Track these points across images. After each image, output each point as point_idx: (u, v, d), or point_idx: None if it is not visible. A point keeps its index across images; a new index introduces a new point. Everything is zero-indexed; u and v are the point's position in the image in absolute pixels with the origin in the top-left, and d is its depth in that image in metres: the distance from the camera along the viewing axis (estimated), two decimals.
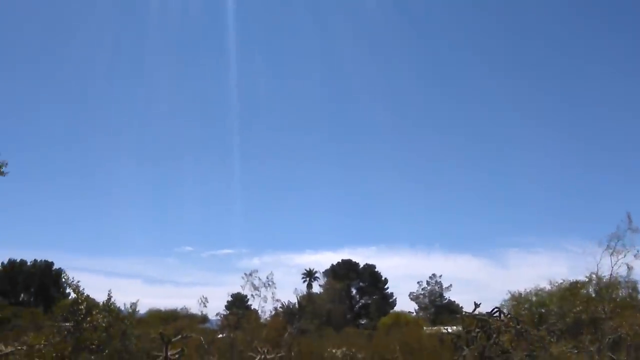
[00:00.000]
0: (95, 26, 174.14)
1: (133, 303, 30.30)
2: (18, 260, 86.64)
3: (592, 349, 28.34)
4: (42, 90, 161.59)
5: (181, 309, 61.53)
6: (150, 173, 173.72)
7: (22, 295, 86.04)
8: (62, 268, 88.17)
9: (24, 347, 17.19)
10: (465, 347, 23.04)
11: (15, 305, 70.48)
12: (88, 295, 31.41)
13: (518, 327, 22.77)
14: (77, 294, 21.91)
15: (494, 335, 22.20)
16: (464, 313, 27.15)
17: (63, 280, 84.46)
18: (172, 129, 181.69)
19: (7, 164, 15.82)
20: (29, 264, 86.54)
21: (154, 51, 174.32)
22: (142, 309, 76.02)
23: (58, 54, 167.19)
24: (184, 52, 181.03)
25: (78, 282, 23.71)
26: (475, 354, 22.12)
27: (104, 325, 19.35)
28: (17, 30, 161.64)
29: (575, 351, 27.35)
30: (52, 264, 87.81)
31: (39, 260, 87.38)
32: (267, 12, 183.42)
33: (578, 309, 34.00)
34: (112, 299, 22.45)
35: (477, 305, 24.37)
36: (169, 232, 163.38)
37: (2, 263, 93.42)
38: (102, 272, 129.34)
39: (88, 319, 18.50)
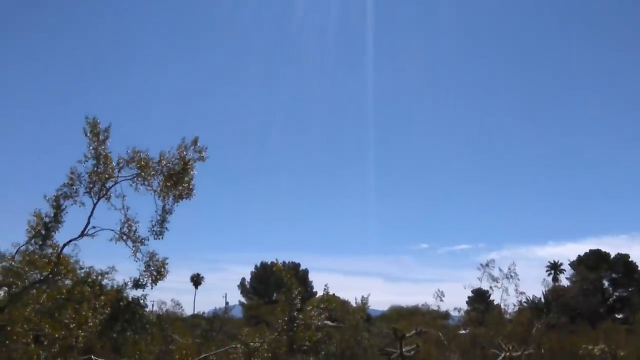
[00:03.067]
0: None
1: (364, 297, 30.11)
2: (269, 263, 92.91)
3: None
4: None
5: (422, 305, 60.65)
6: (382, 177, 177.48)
7: (274, 294, 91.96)
8: (307, 268, 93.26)
9: (239, 345, 17.14)
10: None
11: (270, 304, 75.30)
12: (333, 294, 32.06)
13: None
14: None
15: None
16: None
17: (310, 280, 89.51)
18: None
19: (206, 148, 16.19)
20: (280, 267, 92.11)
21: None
22: (384, 306, 77.14)
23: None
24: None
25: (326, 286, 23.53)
26: None
27: (318, 323, 18.62)
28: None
29: None
30: (299, 264, 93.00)
31: (287, 262, 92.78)
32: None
33: None
34: (329, 293, 21.80)
35: None
36: (404, 230, 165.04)
37: (256, 265, 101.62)
38: (344, 271, 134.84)
39: (300, 316, 17.89)
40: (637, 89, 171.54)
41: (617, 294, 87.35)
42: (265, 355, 16.62)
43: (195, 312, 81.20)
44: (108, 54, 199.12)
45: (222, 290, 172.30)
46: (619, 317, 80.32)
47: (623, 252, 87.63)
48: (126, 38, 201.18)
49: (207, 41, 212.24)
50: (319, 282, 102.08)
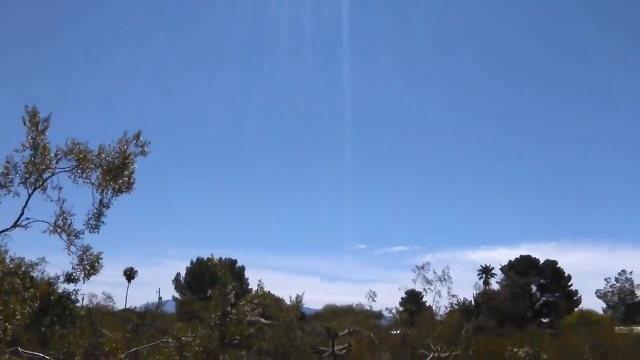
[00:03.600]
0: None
1: (298, 295, 30.33)
2: (205, 259, 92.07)
3: None
4: None
5: (356, 305, 61.48)
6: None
7: (209, 291, 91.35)
8: (243, 265, 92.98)
9: (171, 340, 17.12)
10: None
11: (203, 301, 74.81)
12: (268, 291, 32.09)
13: None
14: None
15: None
16: None
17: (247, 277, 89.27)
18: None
19: (149, 143, 16.12)
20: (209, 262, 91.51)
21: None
22: (319, 305, 77.72)
23: None
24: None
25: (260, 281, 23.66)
26: None
27: (250, 318, 18.81)
28: None
29: None
30: (235, 261, 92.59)
31: (224, 258, 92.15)
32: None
33: None
34: (263, 290, 21.92)
35: None
36: (344, 230, 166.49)
37: (191, 261, 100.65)
38: (282, 269, 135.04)
39: (233, 310, 18.01)
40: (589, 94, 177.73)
41: (544, 298, 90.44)
42: (197, 349, 16.63)
43: (127, 307, 79.85)
44: (71, 42, 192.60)
45: (157, 285, 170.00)
46: (545, 321, 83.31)
47: (552, 258, 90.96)
48: (100, 33, 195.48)
49: (180, 37, 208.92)
50: (255, 280, 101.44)
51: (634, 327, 43.98)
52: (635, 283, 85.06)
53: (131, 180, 16.16)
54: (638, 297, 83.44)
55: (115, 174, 15.84)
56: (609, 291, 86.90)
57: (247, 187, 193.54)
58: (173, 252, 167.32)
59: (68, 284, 17.22)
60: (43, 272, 19.36)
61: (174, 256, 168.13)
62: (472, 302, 71.64)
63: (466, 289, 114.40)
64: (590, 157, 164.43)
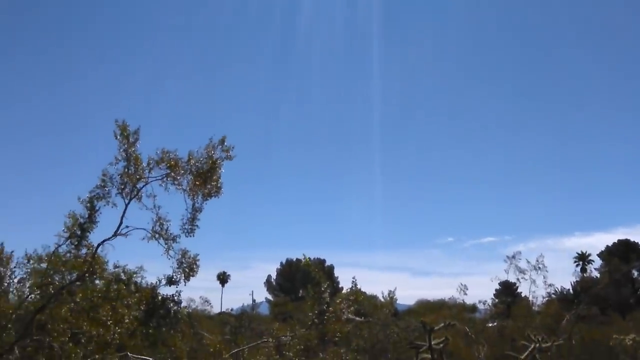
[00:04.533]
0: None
1: (391, 291, 30.16)
2: (294, 259, 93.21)
3: None
4: None
5: (449, 298, 60.55)
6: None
7: (300, 291, 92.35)
8: (333, 264, 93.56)
9: (270, 340, 17.38)
10: None
11: (296, 301, 75.75)
12: (360, 288, 32.02)
13: None
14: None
15: None
16: None
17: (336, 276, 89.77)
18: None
19: (233, 147, 16.50)
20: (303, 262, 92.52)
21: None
22: (411, 301, 77.12)
23: None
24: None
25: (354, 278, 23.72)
26: None
27: (348, 316, 18.84)
28: None
29: None
30: (324, 260, 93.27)
31: (312, 258, 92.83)
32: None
33: None
34: (357, 286, 21.91)
35: None
36: (429, 224, 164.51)
37: (281, 262, 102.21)
38: (369, 267, 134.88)
39: (330, 308, 18.09)
40: None
41: None
42: (297, 347, 16.86)
43: (223, 310, 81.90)
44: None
45: (249, 288, 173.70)
46: None
47: None
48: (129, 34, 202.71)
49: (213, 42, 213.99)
50: (345, 278, 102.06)
51: None
52: None
53: (219, 185, 16.62)
54: None
55: (204, 178, 16.32)
56: None
57: (331, 187, 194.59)
58: (261, 254, 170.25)
59: (170, 286, 17.94)
60: (143, 279, 20.18)
61: (263, 259, 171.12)
62: (571, 291, 69.21)
63: (562, 278, 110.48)
64: None
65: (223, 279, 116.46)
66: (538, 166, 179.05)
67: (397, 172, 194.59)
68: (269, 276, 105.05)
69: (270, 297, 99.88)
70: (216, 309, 74.52)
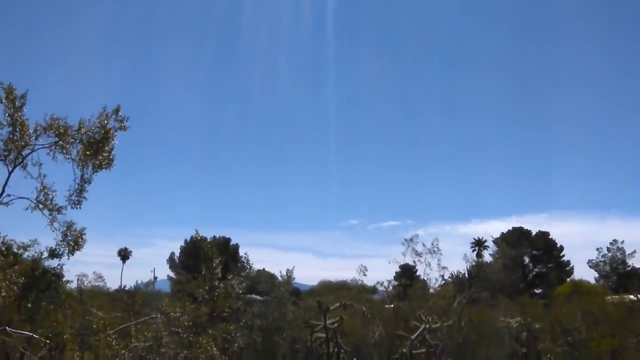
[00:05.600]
0: None
1: (289, 270, 30.26)
2: (199, 237, 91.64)
3: None
4: None
5: (350, 280, 61.55)
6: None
7: (203, 270, 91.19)
8: (237, 243, 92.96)
9: (159, 315, 17.08)
10: None
11: (198, 280, 74.64)
12: (263, 268, 32.05)
13: None
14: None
15: None
16: None
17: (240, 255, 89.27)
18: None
19: (128, 118, 15.90)
20: (208, 240, 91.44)
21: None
22: (314, 281, 77.88)
23: None
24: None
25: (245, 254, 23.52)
26: None
27: (239, 291, 18.73)
28: None
29: None
30: (229, 239, 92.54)
31: (217, 237, 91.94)
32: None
33: None
34: (250, 264, 21.82)
35: None
36: (335, 206, 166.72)
37: (186, 240, 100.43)
38: (276, 247, 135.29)
39: (221, 284, 17.97)
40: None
41: (536, 270, 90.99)
42: (186, 324, 16.58)
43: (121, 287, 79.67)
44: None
45: (152, 265, 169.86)
46: (537, 292, 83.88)
47: (544, 230, 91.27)
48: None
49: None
50: (250, 257, 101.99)
51: (625, 296, 44.16)
52: (627, 252, 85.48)
53: (111, 157, 15.96)
54: (630, 266, 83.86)
55: (96, 149, 15.64)
56: (600, 261, 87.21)
57: (239, 167, 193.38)
58: (166, 231, 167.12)
59: (52, 259, 17.10)
60: (27, 250, 19.22)
61: (168, 236, 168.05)
62: (466, 275, 71.88)
63: (460, 262, 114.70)
64: (578, 130, 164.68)
65: (124, 255, 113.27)
66: (441, 156, 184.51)
67: (305, 156, 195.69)
68: (172, 253, 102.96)
69: (172, 274, 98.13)
70: (115, 286, 72.34)
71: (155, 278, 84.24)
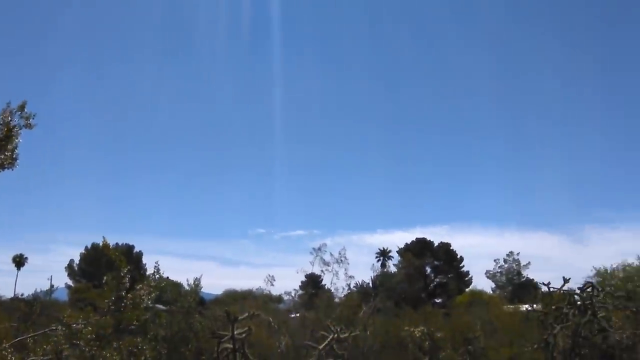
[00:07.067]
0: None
1: (196, 279, 29.59)
2: (100, 244, 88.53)
3: None
4: None
5: (256, 289, 61.19)
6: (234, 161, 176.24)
7: (104, 277, 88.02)
8: (141, 251, 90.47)
9: (60, 327, 16.17)
10: (555, 325, 21.09)
11: (100, 288, 72.04)
12: (167, 277, 31.21)
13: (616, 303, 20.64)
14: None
15: (589, 312, 20.14)
16: (550, 289, 24.86)
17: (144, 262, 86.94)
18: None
19: (35, 115, 14.94)
20: (111, 247, 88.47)
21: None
22: (219, 290, 76.82)
23: None
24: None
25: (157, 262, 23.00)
26: (567, 332, 20.14)
27: (148, 302, 18.03)
28: None
29: None
30: (132, 247, 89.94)
31: (120, 244, 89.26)
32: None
33: None
34: (161, 274, 21.19)
35: (566, 281, 22.39)
36: (242, 215, 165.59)
37: (86, 247, 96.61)
38: (180, 254, 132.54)
39: (129, 295, 17.24)
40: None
41: (437, 279, 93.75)
42: (89, 336, 15.76)
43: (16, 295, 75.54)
44: None
45: (49, 273, 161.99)
46: (438, 301, 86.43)
47: (445, 241, 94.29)
48: None
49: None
50: (154, 265, 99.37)
51: (521, 305, 46.20)
52: (522, 264, 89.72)
53: (14, 156, 14.96)
54: (524, 277, 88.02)
55: None
56: (497, 272, 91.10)
57: (143, 174, 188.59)
58: (65, 237, 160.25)
59: None
60: None
61: (67, 242, 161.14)
62: (370, 284, 73.14)
63: (365, 272, 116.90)
64: (477, 146, 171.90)
65: (20, 261, 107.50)
66: (349, 167, 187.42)
67: (211, 165, 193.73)
68: (71, 260, 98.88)
69: (71, 282, 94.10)
70: (10, 294, 68.46)
71: (52, 286, 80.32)
